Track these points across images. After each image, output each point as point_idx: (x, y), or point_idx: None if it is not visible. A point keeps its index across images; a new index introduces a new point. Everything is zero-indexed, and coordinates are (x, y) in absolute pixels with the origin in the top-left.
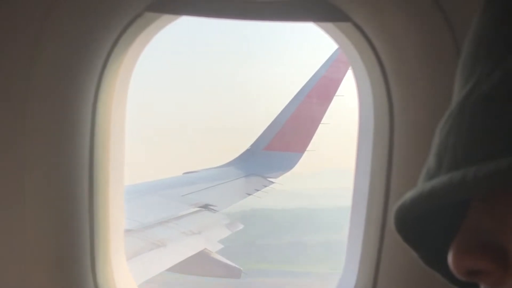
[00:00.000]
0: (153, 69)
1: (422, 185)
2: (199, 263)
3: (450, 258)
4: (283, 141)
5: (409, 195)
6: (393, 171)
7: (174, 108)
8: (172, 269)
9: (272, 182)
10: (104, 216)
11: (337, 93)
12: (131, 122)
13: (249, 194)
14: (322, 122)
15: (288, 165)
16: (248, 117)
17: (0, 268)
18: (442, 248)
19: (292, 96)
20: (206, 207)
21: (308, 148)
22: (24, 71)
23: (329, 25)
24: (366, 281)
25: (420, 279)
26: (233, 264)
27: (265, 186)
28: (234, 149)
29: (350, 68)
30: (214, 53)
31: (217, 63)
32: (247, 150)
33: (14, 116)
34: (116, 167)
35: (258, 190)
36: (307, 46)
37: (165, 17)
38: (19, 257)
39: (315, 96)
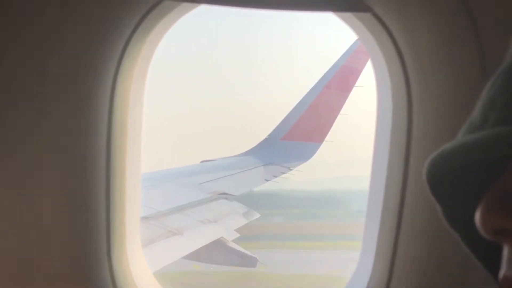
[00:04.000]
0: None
1: (464, 137)
2: (215, 252)
3: (477, 216)
4: (301, 131)
5: (449, 145)
6: (411, 162)
7: (192, 96)
8: (188, 257)
9: (290, 170)
10: (121, 204)
11: (356, 84)
12: (149, 110)
13: (267, 180)
14: (341, 112)
15: (306, 155)
16: (266, 107)
17: (18, 253)
18: (468, 208)
19: (311, 86)
20: (223, 195)
21: (326, 139)
22: (43, 57)
23: (349, 15)
24: (382, 271)
25: (436, 270)
26: (249, 253)
27: (283, 174)
28: (251, 138)
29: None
30: (233, 42)
31: (236, 52)
32: (265, 140)
33: (35, 93)
34: (133, 155)
35: (276, 176)
36: (327, 36)
37: (184, 5)
38: (36, 242)
39: (334, 87)
